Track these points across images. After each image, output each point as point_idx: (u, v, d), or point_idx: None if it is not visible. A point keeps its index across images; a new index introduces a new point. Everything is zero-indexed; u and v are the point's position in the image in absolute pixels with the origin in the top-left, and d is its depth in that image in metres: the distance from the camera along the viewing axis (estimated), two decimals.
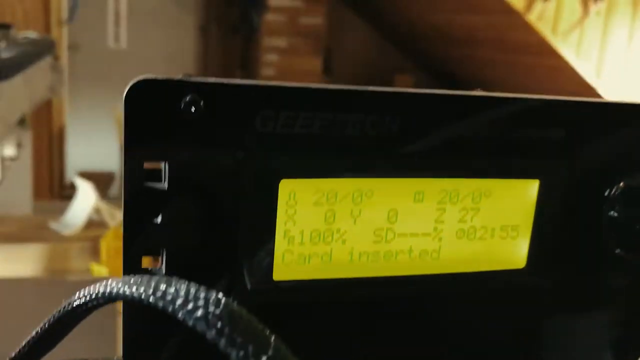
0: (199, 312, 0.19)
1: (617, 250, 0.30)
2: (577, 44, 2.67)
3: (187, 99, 0.23)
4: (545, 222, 0.29)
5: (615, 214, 0.29)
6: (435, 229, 0.28)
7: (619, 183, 0.30)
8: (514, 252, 0.29)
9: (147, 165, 0.24)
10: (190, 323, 0.19)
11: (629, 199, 0.29)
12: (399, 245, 0.28)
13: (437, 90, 0.27)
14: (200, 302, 0.19)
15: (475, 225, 0.28)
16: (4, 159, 1.03)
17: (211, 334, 0.18)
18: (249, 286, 0.26)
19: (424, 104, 0.26)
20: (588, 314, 0.32)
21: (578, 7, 2.69)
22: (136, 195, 0.24)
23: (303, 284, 0.27)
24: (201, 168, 0.24)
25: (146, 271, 0.25)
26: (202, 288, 0.19)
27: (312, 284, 0.27)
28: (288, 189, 0.25)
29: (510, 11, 2.68)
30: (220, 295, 0.19)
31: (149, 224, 0.24)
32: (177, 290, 0.20)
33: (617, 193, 0.30)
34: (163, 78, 0.23)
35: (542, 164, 0.29)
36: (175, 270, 0.25)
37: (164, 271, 0.25)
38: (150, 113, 0.23)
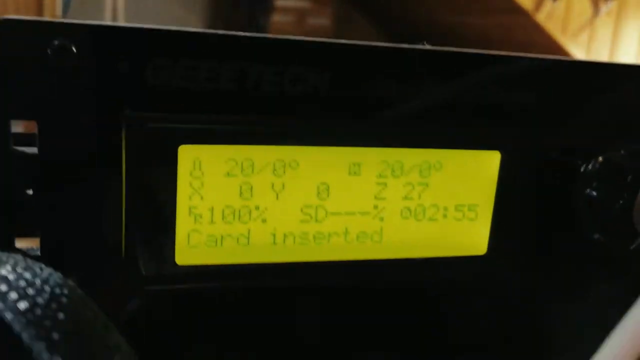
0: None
1: (595, 235, 0.26)
2: (587, 44, 2.62)
3: (55, 43, 0.19)
4: (509, 202, 0.25)
5: (593, 193, 0.25)
6: (375, 207, 0.24)
7: (598, 157, 0.25)
8: (473, 237, 0.25)
9: (14, 125, 0.20)
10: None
11: (609, 175, 0.25)
12: (332, 225, 0.23)
13: (375, 43, 0.22)
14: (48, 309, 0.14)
15: (423, 203, 0.24)
16: None
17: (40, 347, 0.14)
18: (143, 272, 0.21)
19: (358, 58, 0.22)
20: (560, 309, 0.27)
21: (588, 7, 2.63)
22: (2, 161, 0.20)
23: (214, 269, 0.22)
24: (79, 129, 0.20)
25: (21, 252, 0.21)
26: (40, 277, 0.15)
27: (225, 270, 0.22)
28: (191, 156, 0.21)
29: (519, 11, 2.63)
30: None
31: (19, 197, 0.20)
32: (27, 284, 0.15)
33: (595, 168, 0.25)
34: (27, 19, 0.19)
35: (504, 133, 0.25)
36: (53, 254, 0.21)
37: (39, 254, 0.21)
38: (14, 61, 0.19)
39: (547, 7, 2.78)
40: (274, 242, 0.23)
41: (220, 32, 0.21)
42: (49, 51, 0.19)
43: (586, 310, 0.27)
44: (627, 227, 0.24)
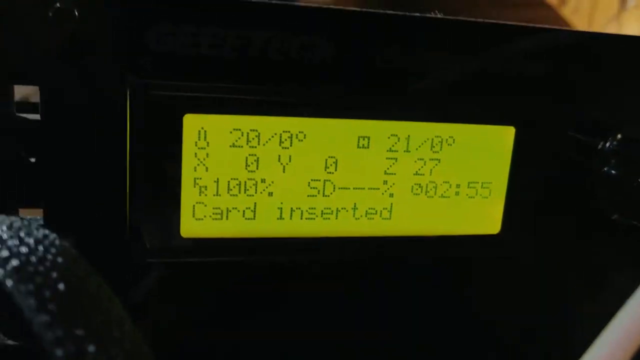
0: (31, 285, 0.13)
1: (614, 215, 0.25)
2: None
3: (57, 6, 0.19)
4: (523, 179, 0.24)
5: (612, 171, 0.24)
6: (385, 182, 0.23)
7: (616, 134, 0.24)
8: (486, 214, 0.24)
9: (16, 91, 0.20)
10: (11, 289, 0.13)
11: (628, 153, 0.24)
12: (340, 200, 0.23)
13: (384, 10, 0.22)
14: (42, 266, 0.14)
15: (435, 179, 0.23)
16: None
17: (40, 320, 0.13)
18: (147, 244, 0.21)
19: (367, 26, 0.22)
20: (576, 292, 0.26)
21: (614, 1, 2.59)
22: (5, 128, 0.20)
23: (219, 243, 0.22)
24: (82, 95, 0.20)
25: None
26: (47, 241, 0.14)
27: (231, 244, 0.22)
28: (195, 126, 0.21)
29: (544, 5, 2.60)
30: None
31: (23, 165, 0.20)
32: (20, 241, 0.15)
33: (613, 145, 0.24)
34: None
35: (519, 108, 0.24)
36: (56, 224, 0.20)
37: (42, 222, 0.20)
38: (15, 25, 0.19)
39: (572, 1, 2.75)
40: (281, 217, 0.22)
41: None
42: (50, 14, 0.19)
43: (604, 293, 0.26)
44: None
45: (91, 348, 0.12)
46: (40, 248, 0.14)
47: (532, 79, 0.23)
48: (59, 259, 0.13)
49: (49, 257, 0.14)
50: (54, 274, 0.13)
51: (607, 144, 0.24)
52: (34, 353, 0.21)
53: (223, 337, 0.24)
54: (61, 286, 0.13)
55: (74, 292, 0.13)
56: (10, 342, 0.21)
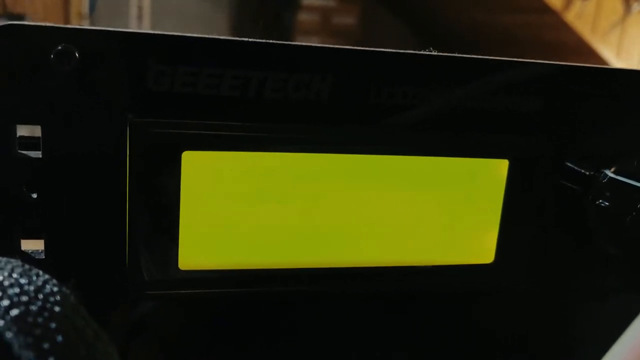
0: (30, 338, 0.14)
1: (607, 247, 0.25)
2: (617, 44, 2.58)
3: (59, 48, 0.19)
4: (517, 210, 0.25)
5: (606, 204, 0.25)
6: (378, 214, 0.23)
7: (610, 167, 0.25)
8: (480, 245, 0.25)
9: (19, 130, 0.20)
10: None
11: (622, 186, 0.24)
12: (334, 232, 0.23)
13: (379, 49, 0.22)
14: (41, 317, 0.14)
15: (429, 210, 0.24)
16: None
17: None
18: (146, 277, 0.22)
19: (362, 64, 0.22)
20: (568, 323, 0.27)
21: (619, 6, 2.59)
22: (7, 165, 0.20)
23: (217, 274, 0.22)
24: (83, 134, 0.20)
25: (26, 255, 0.21)
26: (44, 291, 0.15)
27: (228, 275, 0.22)
28: (194, 162, 0.21)
29: (548, 10, 2.60)
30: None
31: (24, 201, 0.20)
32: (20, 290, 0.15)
33: (607, 179, 0.25)
34: (31, 24, 0.19)
35: (513, 141, 0.24)
36: (57, 257, 0.21)
37: (44, 257, 0.21)
38: (19, 66, 0.19)
39: (576, 6, 2.74)
40: (278, 248, 0.23)
41: (222, 37, 0.21)
42: (52, 56, 0.19)
43: (600, 324, 0.27)
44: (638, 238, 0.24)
45: None
46: (40, 296, 0.14)
47: (524, 114, 0.24)
48: (58, 309, 0.14)
49: (48, 306, 0.14)
50: (53, 325, 0.13)
51: (601, 177, 0.25)
52: None
53: None
54: (59, 338, 0.13)
55: (71, 343, 0.13)
56: None
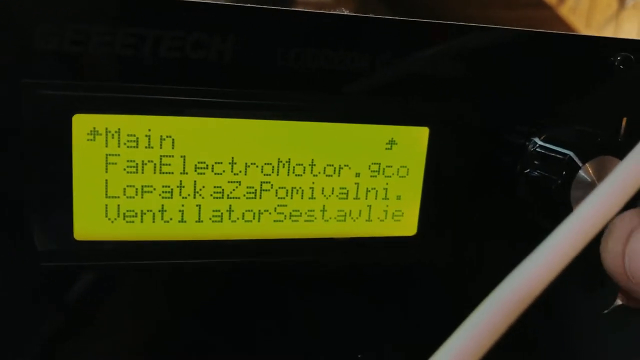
0: None
1: (534, 216, 0.24)
2: None
3: None
4: (439, 180, 0.24)
5: (535, 173, 0.23)
6: (293, 183, 0.22)
7: (539, 134, 0.24)
8: (401, 216, 0.24)
9: None
10: None
11: (550, 155, 0.23)
12: (244, 203, 0.22)
13: (286, 8, 0.21)
14: None
15: (347, 181, 0.23)
16: None
17: None
18: (38, 247, 0.21)
19: (268, 24, 0.21)
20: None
21: (613, 0, 2.58)
22: None
23: (115, 246, 0.21)
24: None
25: None
26: None
27: (125, 247, 0.21)
28: (86, 126, 0.20)
29: (542, 4, 2.58)
30: None
31: None
32: None
33: (535, 147, 0.24)
34: None
35: (433, 108, 0.23)
36: None
37: None
38: None
39: (570, 0, 2.73)
40: (184, 219, 0.22)
41: None
42: None
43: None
44: (566, 208, 0.23)
45: None
46: None
47: (447, 79, 0.23)
48: None
49: None
50: None
51: (530, 145, 0.24)
52: None
53: (116, 343, 0.23)
54: None
55: None
56: None
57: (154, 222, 0.21)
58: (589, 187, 0.22)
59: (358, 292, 0.25)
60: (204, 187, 0.21)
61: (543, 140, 0.23)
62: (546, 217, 0.24)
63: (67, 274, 0.21)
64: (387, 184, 0.23)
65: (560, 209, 0.23)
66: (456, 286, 0.25)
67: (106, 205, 0.21)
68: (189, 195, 0.21)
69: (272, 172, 0.22)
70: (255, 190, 0.22)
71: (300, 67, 0.21)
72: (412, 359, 0.26)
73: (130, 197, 0.21)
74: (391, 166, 0.23)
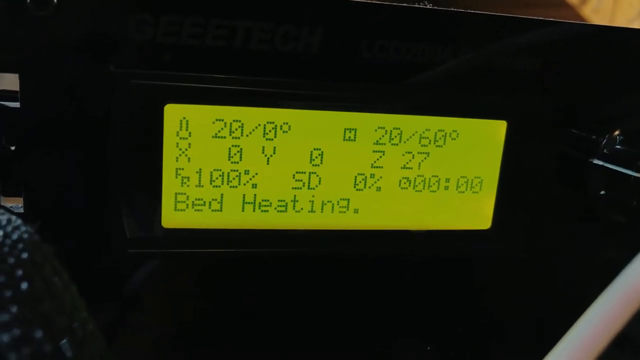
0: None
1: (606, 211, 0.24)
2: None
3: None
4: (515, 173, 0.24)
5: (610, 167, 0.24)
6: (372, 175, 0.23)
7: (613, 129, 0.24)
8: (477, 210, 0.24)
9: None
10: None
11: (625, 149, 0.23)
12: (325, 193, 0.22)
13: (373, 0, 0.21)
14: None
15: (424, 174, 0.23)
16: None
17: None
18: (127, 234, 0.21)
19: (355, 16, 0.21)
20: (569, 289, 0.26)
21: (636, 0, 2.56)
22: None
23: (202, 234, 0.22)
24: (62, 83, 0.19)
25: (5, 209, 0.21)
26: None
27: (212, 235, 0.22)
28: (177, 116, 0.21)
29: (564, 4, 2.57)
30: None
31: (2, 154, 0.20)
32: None
33: (610, 141, 0.24)
34: None
35: (511, 101, 0.23)
36: (35, 212, 0.20)
37: (22, 211, 0.20)
38: None
39: (593, 1, 2.71)
40: (264, 209, 0.22)
41: None
42: (28, 1, 0.18)
43: (596, 288, 0.26)
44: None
45: (38, 334, 0.12)
46: (8, 242, 0.13)
47: (524, 73, 0.23)
48: (25, 256, 0.13)
49: (15, 252, 0.13)
50: (19, 272, 0.13)
51: (604, 140, 0.24)
52: None
53: (202, 327, 0.24)
54: (24, 285, 0.12)
55: (36, 293, 0.12)
56: None
57: (242, 211, 0.22)
58: None
59: (430, 285, 0.25)
60: (289, 176, 0.22)
61: (618, 135, 0.23)
62: (621, 212, 0.24)
63: (153, 260, 0.22)
64: (464, 177, 0.23)
65: (635, 204, 0.23)
66: (529, 280, 0.25)
67: (193, 194, 0.21)
68: (274, 185, 0.22)
69: (353, 162, 0.22)
70: (334, 181, 0.22)
71: (384, 59, 0.22)
72: (483, 351, 0.26)
73: (217, 187, 0.21)
74: (468, 159, 0.23)
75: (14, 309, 0.12)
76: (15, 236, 0.14)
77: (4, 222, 0.14)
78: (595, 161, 0.24)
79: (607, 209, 0.24)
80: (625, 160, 0.23)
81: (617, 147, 0.23)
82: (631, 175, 0.23)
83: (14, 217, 0.14)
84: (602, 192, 0.24)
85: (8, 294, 0.12)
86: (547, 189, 0.24)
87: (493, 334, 0.26)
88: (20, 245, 0.14)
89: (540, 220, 0.24)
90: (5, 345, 0.11)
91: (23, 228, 0.14)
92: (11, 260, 0.13)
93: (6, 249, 0.13)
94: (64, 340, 0.12)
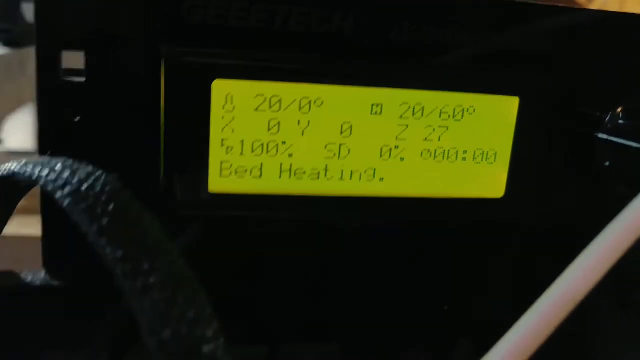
0: (84, 204, 0.16)
1: (615, 183, 0.26)
2: None
3: None
4: (526, 146, 0.26)
5: (612, 139, 0.26)
6: (396, 147, 0.25)
7: (619, 105, 0.26)
8: (491, 179, 0.26)
9: (64, 57, 0.22)
10: (74, 214, 0.16)
11: (631, 124, 0.26)
12: (354, 163, 0.25)
13: None
14: (92, 191, 0.16)
15: (443, 145, 0.25)
16: None
17: (93, 230, 0.15)
18: (178, 197, 0.23)
19: (384, 2, 0.24)
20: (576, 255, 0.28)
21: None
22: (51, 90, 0.22)
23: (243, 198, 0.24)
24: (121, 60, 0.22)
25: None
26: (104, 178, 0.17)
27: (254, 200, 0.24)
28: (223, 91, 0.23)
29: (572, 3, 2.58)
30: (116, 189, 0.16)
31: (68, 126, 0.22)
32: (72, 174, 0.17)
33: (614, 117, 0.26)
34: None
35: (523, 78, 0.26)
36: None
37: None
38: None
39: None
40: (299, 177, 0.24)
41: None
42: None
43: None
44: None
45: (146, 265, 0.14)
46: (91, 178, 0.16)
47: (536, 55, 0.25)
48: (109, 188, 0.16)
49: (99, 185, 0.16)
50: (104, 198, 0.15)
51: (608, 116, 0.26)
52: (77, 291, 0.24)
53: (244, 291, 0.26)
54: (111, 206, 0.15)
55: (121, 209, 0.15)
56: (55, 282, 0.24)
57: (279, 178, 0.24)
58: None
59: (445, 250, 0.27)
60: (322, 147, 0.24)
61: (621, 111, 0.26)
62: (624, 182, 0.26)
63: (200, 223, 0.24)
64: (480, 149, 0.25)
65: (637, 175, 0.25)
66: (540, 249, 0.28)
67: (236, 162, 0.24)
68: (307, 155, 0.24)
69: (380, 135, 0.24)
70: (362, 151, 0.25)
71: (409, 41, 0.24)
72: (492, 314, 0.28)
73: (257, 156, 0.24)
74: (484, 133, 0.25)
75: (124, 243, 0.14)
76: (97, 174, 0.16)
77: (84, 166, 0.17)
78: (600, 135, 0.26)
79: (611, 180, 0.26)
80: (627, 133, 0.25)
81: (620, 121, 0.26)
82: (632, 147, 0.25)
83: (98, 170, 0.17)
84: (607, 164, 0.26)
85: (99, 210, 0.15)
86: (556, 161, 0.26)
87: (502, 295, 0.28)
88: (103, 179, 0.16)
89: (549, 190, 0.27)
90: (121, 276, 0.14)
91: (99, 170, 0.17)
92: (97, 187, 0.16)
93: (90, 181, 0.16)
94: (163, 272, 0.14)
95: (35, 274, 0.24)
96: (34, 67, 0.22)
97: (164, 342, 0.13)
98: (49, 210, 0.23)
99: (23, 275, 0.24)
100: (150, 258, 0.14)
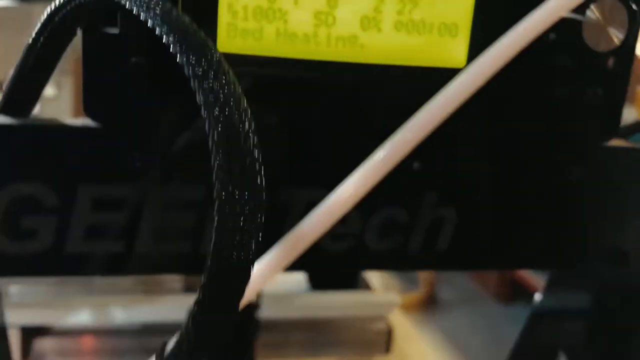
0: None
1: (559, 57, 0.31)
2: None
3: None
4: (485, 21, 0.31)
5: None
6: (374, 19, 0.30)
7: None
8: (454, 51, 0.31)
9: None
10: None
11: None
12: (339, 30, 0.30)
13: None
14: None
15: (413, 18, 0.30)
16: (42, 98, 1.07)
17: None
18: None
19: None
20: (536, 125, 0.33)
21: None
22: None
23: (246, 58, 0.29)
24: None
25: None
26: None
27: (255, 59, 0.29)
28: None
29: None
30: None
31: None
32: None
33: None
34: None
35: None
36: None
37: None
38: None
39: None
40: (294, 41, 0.29)
41: None
42: None
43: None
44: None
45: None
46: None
47: None
48: None
49: None
50: None
51: None
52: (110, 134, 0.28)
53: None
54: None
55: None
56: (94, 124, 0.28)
57: (273, 41, 0.29)
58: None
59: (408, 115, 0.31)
60: (311, 15, 0.29)
61: None
62: (567, 55, 0.31)
63: None
64: (444, 22, 0.30)
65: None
66: (499, 120, 0.33)
67: (241, 25, 0.28)
68: (299, 22, 0.29)
69: (361, 7, 0.29)
70: (347, 21, 0.29)
71: None
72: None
73: (257, 21, 0.28)
74: (448, 8, 0.30)
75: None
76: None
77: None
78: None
79: (557, 53, 0.31)
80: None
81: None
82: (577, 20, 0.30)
83: None
84: (552, 36, 0.31)
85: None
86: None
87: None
88: None
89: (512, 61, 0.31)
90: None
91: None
92: None
93: None
94: None
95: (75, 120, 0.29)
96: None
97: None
98: (90, 55, 0.27)
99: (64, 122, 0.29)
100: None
